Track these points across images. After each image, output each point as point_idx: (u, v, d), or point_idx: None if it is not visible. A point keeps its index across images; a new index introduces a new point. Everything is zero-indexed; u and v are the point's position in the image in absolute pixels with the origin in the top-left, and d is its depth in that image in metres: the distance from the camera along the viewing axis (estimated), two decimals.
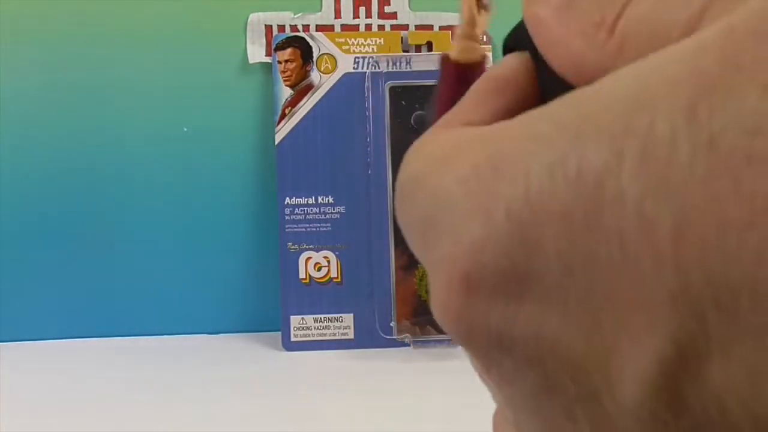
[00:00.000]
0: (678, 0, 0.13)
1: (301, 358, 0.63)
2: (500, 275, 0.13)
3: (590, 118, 0.12)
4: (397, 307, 0.64)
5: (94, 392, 0.55)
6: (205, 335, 0.69)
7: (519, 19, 0.18)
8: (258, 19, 0.69)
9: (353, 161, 0.66)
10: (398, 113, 0.65)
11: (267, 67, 0.69)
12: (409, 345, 0.63)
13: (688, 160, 0.11)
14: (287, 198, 0.66)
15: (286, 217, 0.66)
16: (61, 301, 0.69)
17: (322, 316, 0.65)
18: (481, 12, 0.46)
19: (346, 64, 0.67)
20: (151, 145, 0.69)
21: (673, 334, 0.11)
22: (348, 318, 0.65)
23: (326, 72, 0.67)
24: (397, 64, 0.66)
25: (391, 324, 0.64)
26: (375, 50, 0.67)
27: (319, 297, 0.65)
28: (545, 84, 0.17)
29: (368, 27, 0.70)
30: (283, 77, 0.67)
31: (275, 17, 0.69)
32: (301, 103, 0.66)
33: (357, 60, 0.67)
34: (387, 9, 0.70)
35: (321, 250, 0.66)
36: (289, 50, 0.67)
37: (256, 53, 0.69)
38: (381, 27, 0.70)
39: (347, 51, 0.67)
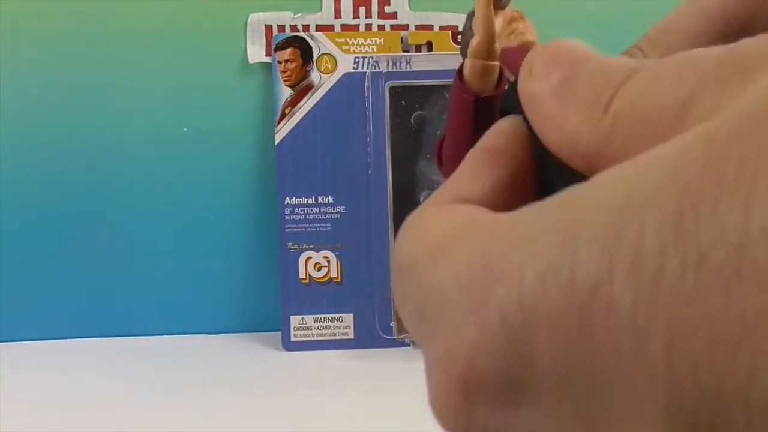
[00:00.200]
0: (669, 83, 0.13)
1: (301, 358, 0.63)
2: (496, 380, 0.13)
3: (580, 225, 0.12)
4: None
5: (94, 392, 0.55)
6: (205, 335, 0.69)
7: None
8: (258, 19, 0.69)
9: (353, 161, 0.66)
10: (398, 113, 0.65)
11: (267, 67, 0.69)
12: (409, 345, 0.63)
13: (678, 275, 0.11)
14: (287, 198, 0.66)
15: (286, 217, 0.66)
16: (61, 301, 0.69)
17: (322, 316, 0.65)
18: (498, 13, 0.45)
19: (346, 64, 0.67)
20: (151, 145, 0.69)
21: None
22: (348, 318, 0.65)
23: (326, 72, 0.67)
24: (397, 64, 0.66)
25: (391, 324, 0.64)
26: (375, 50, 0.67)
27: (319, 297, 0.65)
28: (540, 153, 0.17)
29: (368, 27, 0.70)
30: (283, 77, 0.67)
31: (275, 17, 0.69)
32: (301, 103, 0.66)
33: (357, 60, 0.67)
34: (387, 9, 0.70)
35: (321, 250, 0.66)
36: (289, 50, 0.67)
37: (256, 53, 0.69)
38: (381, 27, 0.70)
39: (347, 51, 0.67)
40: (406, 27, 0.70)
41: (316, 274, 0.66)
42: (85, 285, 0.69)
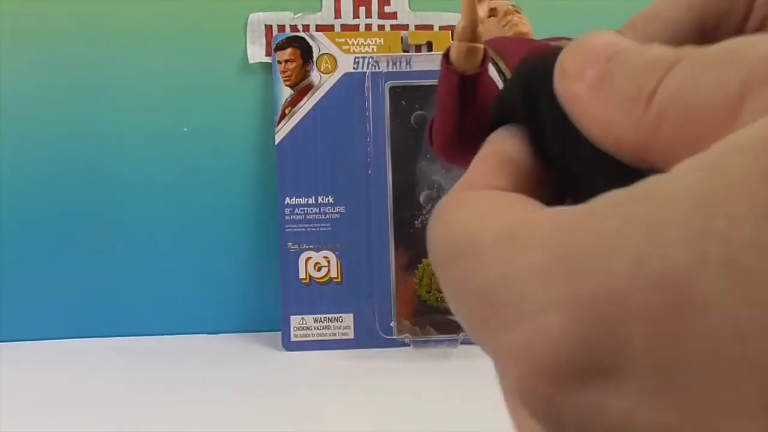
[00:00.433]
0: (713, 77, 0.13)
1: (301, 358, 0.63)
2: (588, 368, 0.13)
3: (663, 218, 0.12)
4: (397, 307, 0.64)
5: (94, 392, 0.55)
6: (205, 335, 0.69)
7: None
8: (258, 19, 0.69)
9: (353, 161, 0.66)
10: (398, 113, 0.65)
11: (267, 67, 0.69)
12: (409, 345, 0.63)
13: None
14: (287, 198, 0.66)
15: (286, 217, 0.66)
16: (61, 301, 0.69)
17: (322, 316, 0.65)
18: (483, 1, 0.47)
19: (346, 64, 0.67)
20: (151, 145, 0.69)
21: None
22: (348, 318, 0.65)
23: (326, 72, 0.67)
24: (397, 64, 0.66)
25: (391, 324, 0.64)
26: (375, 50, 0.67)
27: (319, 297, 0.65)
28: (579, 151, 0.17)
29: (368, 27, 0.70)
30: (283, 77, 0.67)
31: (275, 17, 0.69)
32: (301, 103, 0.66)
33: (357, 60, 0.67)
34: (387, 9, 0.70)
35: (321, 250, 0.66)
36: (289, 50, 0.67)
37: (256, 53, 0.69)
38: (381, 27, 0.70)
39: (347, 51, 0.67)
40: (406, 27, 0.70)
41: (316, 274, 0.66)
42: (85, 285, 0.69)
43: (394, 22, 0.70)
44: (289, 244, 0.66)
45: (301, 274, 0.65)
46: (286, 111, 0.66)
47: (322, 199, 0.66)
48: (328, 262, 0.66)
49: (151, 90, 0.69)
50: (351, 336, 0.65)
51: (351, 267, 0.66)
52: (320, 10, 0.70)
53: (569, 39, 0.39)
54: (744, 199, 0.11)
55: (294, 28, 0.69)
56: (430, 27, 0.70)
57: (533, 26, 0.50)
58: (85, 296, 0.69)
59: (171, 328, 0.69)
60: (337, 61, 0.67)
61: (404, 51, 0.68)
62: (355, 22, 0.70)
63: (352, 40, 0.67)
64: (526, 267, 0.14)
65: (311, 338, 0.65)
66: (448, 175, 0.64)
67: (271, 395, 0.54)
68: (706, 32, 0.30)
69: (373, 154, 0.65)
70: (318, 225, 0.66)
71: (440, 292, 0.64)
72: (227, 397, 0.53)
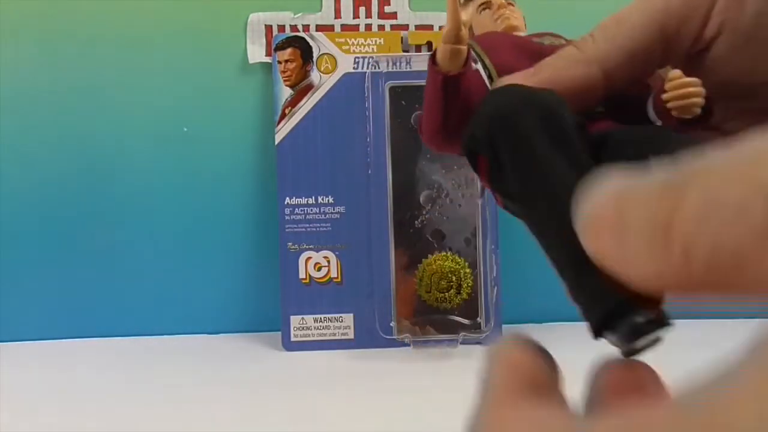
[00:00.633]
0: (731, 215, 0.13)
1: (301, 358, 0.63)
2: None
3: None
4: (397, 307, 0.64)
5: (94, 392, 0.55)
6: (205, 335, 0.69)
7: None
8: (258, 19, 0.69)
9: (353, 161, 0.66)
10: (398, 113, 0.65)
11: (267, 67, 0.69)
12: (409, 345, 0.63)
13: None
14: (287, 198, 0.66)
15: (286, 217, 0.66)
16: (61, 301, 0.69)
17: (322, 316, 0.65)
18: (467, 4, 0.49)
19: (346, 64, 0.67)
20: (151, 145, 0.69)
21: None
22: (348, 318, 0.65)
23: (326, 72, 0.67)
24: (397, 64, 0.66)
25: (391, 324, 0.64)
26: (375, 50, 0.67)
27: (319, 297, 0.65)
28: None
29: (368, 27, 0.70)
30: (283, 77, 0.67)
31: (275, 17, 0.69)
32: (301, 103, 0.66)
33: (357, 60, 0.67)
34: (387, 9, 0.70)
35: (321, 250, 0.66)
36: (289, 50, 0.67)
37: (256, 53, 0.69)
38: (381, 27, 0.70)
39: (347, 51, 0.67)
40: (406, 27, 0.70)
41: (316, 274, 0.66)
42: (85, 285, 0.69)
43: (394, 22, 0.70)
44: (289, 244, 0.66)
45: (301, 274, 0.65)
46: (286, 111, 0.66)
47: (322, 199, 0.66)
48: (328, 262, 0.66)
49: (151, 90, 0.69)
50: (351, 336, 0.65)
51: (351, 267, 0.66)
52: (320, 10, 0.70)
53: (553, 34, 0.40)
54: None
55: (294, 28, 0.69)
56: (430, 27, 0.70)
57: (531, 20, 0.51)
58: (85, 296, 0.69)
59: (171, 328, 0.69)
60: (337, 61, 0.67)
61: (404, 51, 0.68)
62: (355, 22, 0.70)
63: (352, 40, 0.67)
64: None
65: (311, 338, 0.65)
66: (447, 175, 0.64)
67: (271, 395, 0.54)
68: (668, 36, 0.31)
69: (373, 154, 0.65)
70: (318, 225, 0.66)
71: (440, 292, 0.64)
72: (227, 397, 0.53)
